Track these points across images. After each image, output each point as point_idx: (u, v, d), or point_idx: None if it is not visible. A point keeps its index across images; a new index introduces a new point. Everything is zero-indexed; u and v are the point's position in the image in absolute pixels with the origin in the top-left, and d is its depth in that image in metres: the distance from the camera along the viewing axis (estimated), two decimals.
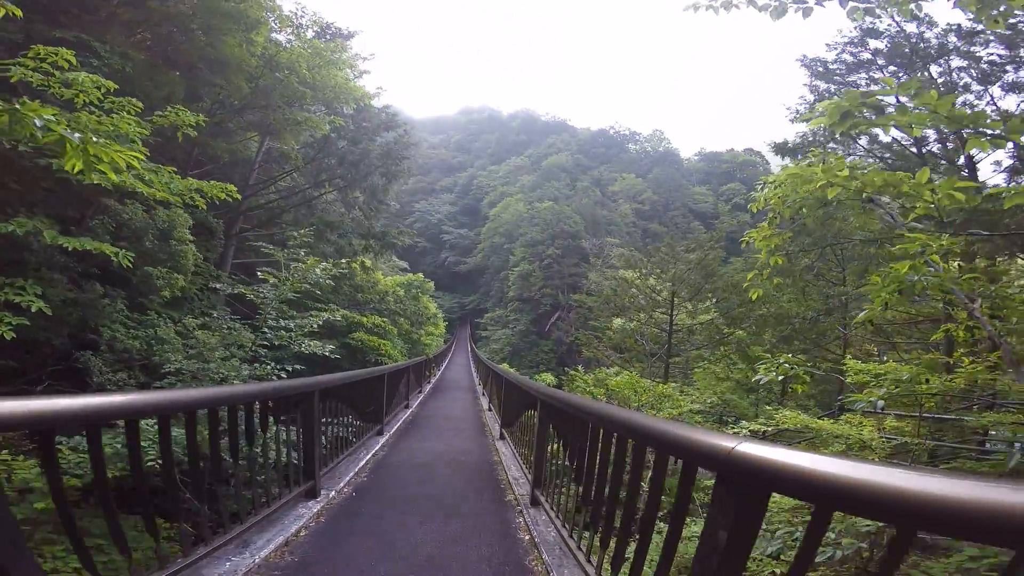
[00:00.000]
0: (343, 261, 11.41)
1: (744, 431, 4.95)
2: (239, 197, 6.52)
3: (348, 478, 5.34)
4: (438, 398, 13.31)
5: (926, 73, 13.98)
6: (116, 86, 5.71)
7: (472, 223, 78.43)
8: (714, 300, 13.51)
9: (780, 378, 3.87)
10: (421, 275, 16.25)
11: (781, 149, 12.75)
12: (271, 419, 3.74)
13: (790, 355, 4.75)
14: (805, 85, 13.67)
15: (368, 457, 6.25)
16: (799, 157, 12.26)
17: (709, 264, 13.35)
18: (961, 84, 12.52)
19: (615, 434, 2.57)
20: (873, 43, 13.31)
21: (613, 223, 58.35)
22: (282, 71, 9.99)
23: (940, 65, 13.68)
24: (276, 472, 4.23)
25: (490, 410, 10.97)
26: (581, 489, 3.12)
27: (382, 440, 7.28)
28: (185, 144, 14.63)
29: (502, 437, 7.73)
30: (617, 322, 17.00)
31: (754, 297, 5.24)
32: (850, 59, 13.17)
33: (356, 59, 15.23)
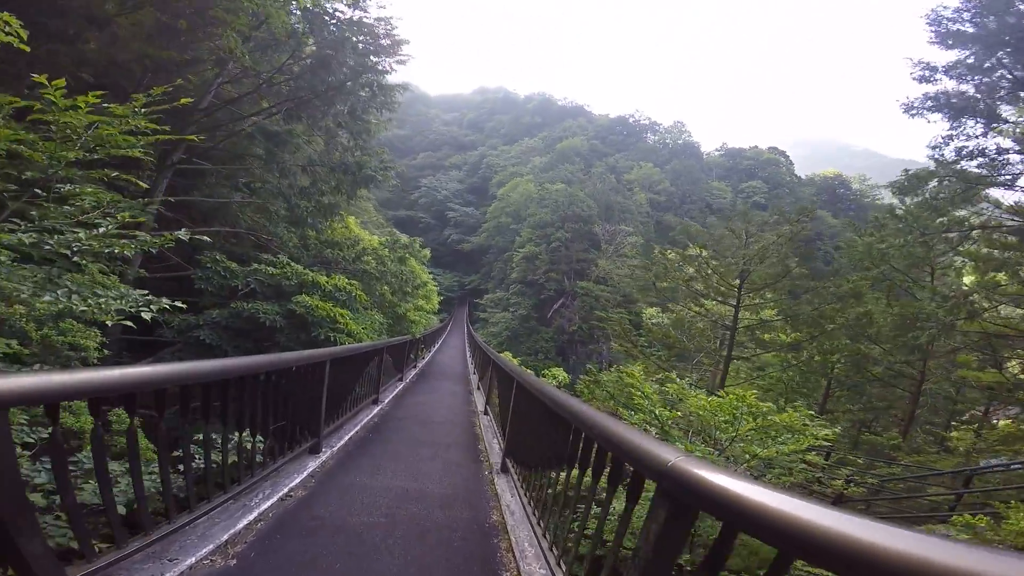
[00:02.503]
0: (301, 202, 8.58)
1: None
2: (23, 32, 3.69)
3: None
4: (421, 390, 10.58)
5: None
6: None
7: (479, 202, 75.58)
8: (803, 293, 10.60)
9: None
10: (416, 239, 13.33)
11: (918, 107, 9.92)
12: None
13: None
14: (932, 43, 10.89)
15: (264, 508, 3.51)
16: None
17: (797, 242, 10.36)
18: None
19: None
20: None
21: (627, 211, 55.13)
22: None
23: None
24: None
25: (486, 413, 8.24)
26: None
27: (313, 465, 4.54)
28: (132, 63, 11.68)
29: (504, 469, 4.99)
30: (649, 312, 14.25)
31: None
32: (992, 24, 10.33)
33: None
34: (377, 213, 28.85)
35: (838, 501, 8.09)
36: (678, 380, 5.33)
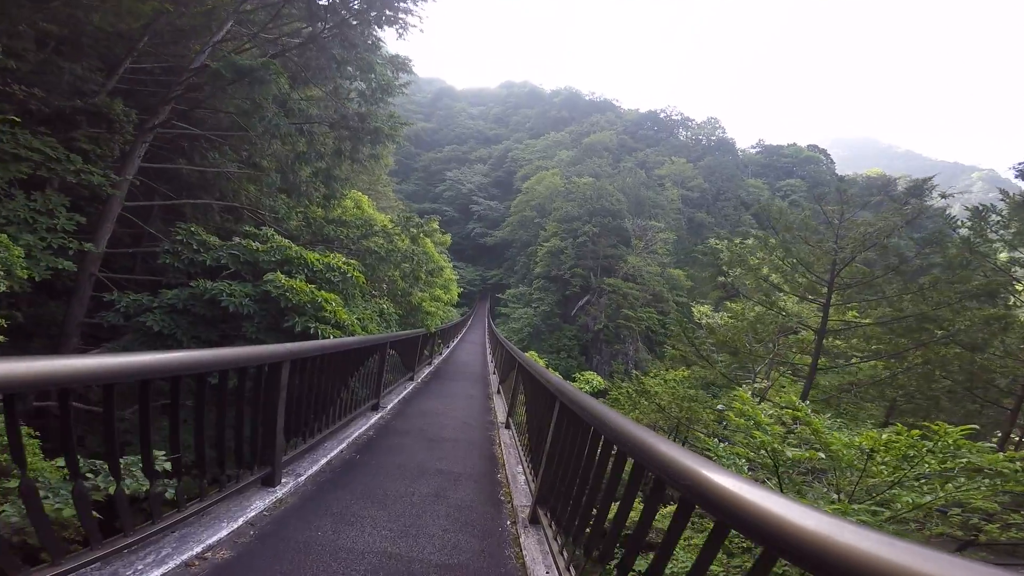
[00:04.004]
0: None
1: None
2: None
3: None
4: (433, 393, 9.20)
5: None
6: None
7: (503, 196, 74.49)
8: (905, 297, 8.57)
9: None
10: (434, 218, 11.47)
11: None
12: None
13: None
14: None
15: None
16: None
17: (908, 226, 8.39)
18: None
19: None
20: None
21: (659, 206, 52.82)
22: None
23: None
24: None
25: (508, 427, 6.80)
26: None
27: (259, 507, 3.18)
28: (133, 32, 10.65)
29: (535, 519, 3.54)
30: (702, 310, 12.50)
31: None
32: None
33: None
34: (398, 201, 27.63)
35: (964, 548, 6.34)
36: (801, 403, 3.76)
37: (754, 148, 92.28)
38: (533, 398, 4.62)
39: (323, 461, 4.25)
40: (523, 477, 4.55)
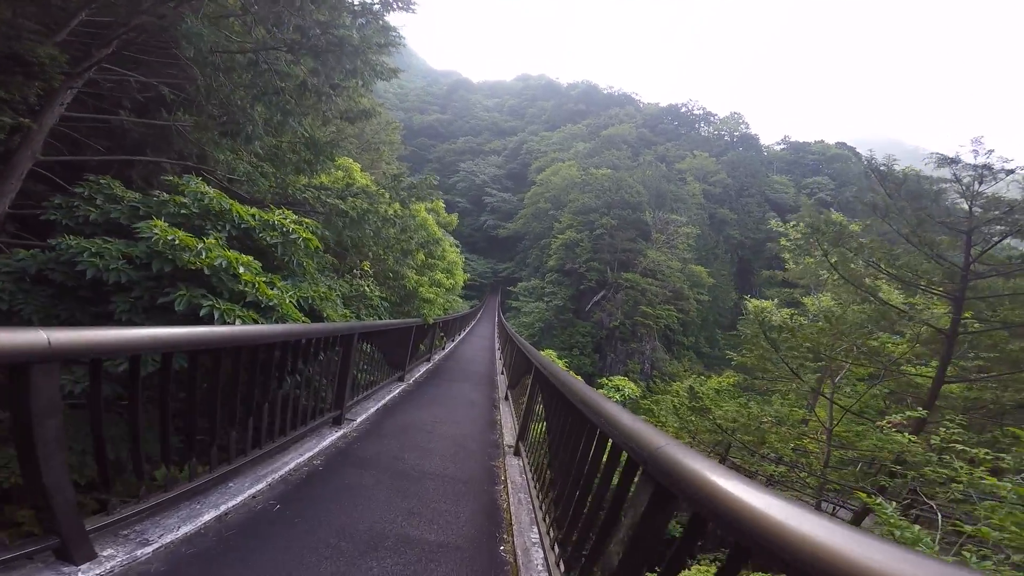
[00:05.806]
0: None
1: None
2: None
3: None
4: (426, 399, 7.47)
5: None
6: None
7: (517, 188, 72.87)
8: None
9: None
10: (430, 176, 8.86)
11: None
12: None
13: None
14: None
15: None
16: None
17: None
18: None
19: None
20: None
21: (680, 200, 50.37)
22: None
23: None
24: None
25: (517, 453, 5.04)
26: None
27: None
28: None
29: None
30: (762, 305, 10.56)
31: None
32: None
33: None
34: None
35: None
36: None
37: (779, 144, 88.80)
38: (564, 428, 2.88)
39: (208, 517, 2.55)
40: (541, 554, 2.81)
